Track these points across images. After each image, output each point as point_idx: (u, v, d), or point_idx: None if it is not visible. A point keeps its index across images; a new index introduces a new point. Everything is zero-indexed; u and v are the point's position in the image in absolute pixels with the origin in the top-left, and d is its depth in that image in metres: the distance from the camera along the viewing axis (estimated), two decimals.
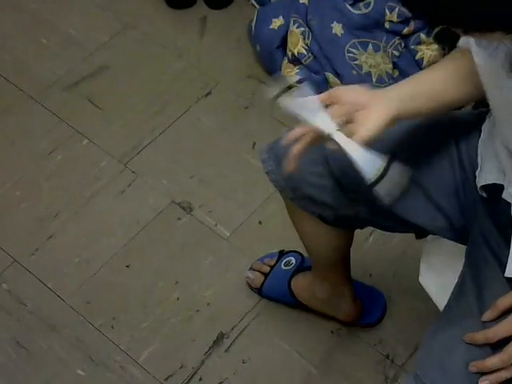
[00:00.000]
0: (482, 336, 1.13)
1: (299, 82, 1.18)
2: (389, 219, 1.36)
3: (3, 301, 1.82)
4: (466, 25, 0.86)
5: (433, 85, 1.20)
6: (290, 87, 1.16)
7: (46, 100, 2.15)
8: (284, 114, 1.15)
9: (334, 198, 1.32)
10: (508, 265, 1.17)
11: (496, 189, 1.20)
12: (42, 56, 2.25)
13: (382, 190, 1.13)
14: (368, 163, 1.10)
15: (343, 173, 1.28)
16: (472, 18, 0.84)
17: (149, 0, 2.37)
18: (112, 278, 1.85)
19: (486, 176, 1.22)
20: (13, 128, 2.11)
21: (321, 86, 2.06)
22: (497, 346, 1.12)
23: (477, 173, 1.23)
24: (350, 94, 1.16)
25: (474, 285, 1.21)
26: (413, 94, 1.18)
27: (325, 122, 1.12)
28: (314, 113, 1.13)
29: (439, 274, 1.40)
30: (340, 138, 1.11)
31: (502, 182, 1.19)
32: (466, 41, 1.19)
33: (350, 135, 1.10)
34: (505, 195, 1.18)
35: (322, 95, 1.15)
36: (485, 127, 1.25)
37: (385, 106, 1.14)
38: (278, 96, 1.16)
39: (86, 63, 2.23)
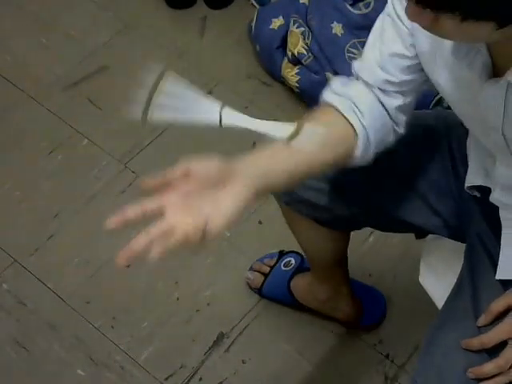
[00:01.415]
0: (478, 342, 1.13)
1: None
2: (384, 219, 1.36)
3: (3, 301, 1.82)
4: (466, 8, 0.85)
5: (289, 157, 1.07)
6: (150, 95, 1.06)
7: (46, 100, 2.15)
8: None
9: (329, 199, 1.32)
10: (499, 267, 1.17)
11: (486, 190, 1.20)
12: (42, 56, 2.25)
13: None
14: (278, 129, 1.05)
15: (338, 174, 1.28)
16: (473, 2, 0.84)
17: (149, 0, 2.37)
18: (112, 277, 1.85)
19: (473, 178, 1.22)
20: (13, 128, 2.11)
21: (321, 86, 2.06)
22: (493, 350, 1.12)
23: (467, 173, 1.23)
24: (201, 168, 1.03)
25: (471, 286, 1.21)
26: (270, 169, 1.05)
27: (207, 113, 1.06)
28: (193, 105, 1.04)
29: (439, 274, 1.40)
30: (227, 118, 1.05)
31: (489, 185, 1.19)
32: (331, 97, 1.17)
33: (203, 224, 0.97)
34: (491, 198, 1.18)
35: (174, 170, 1.03)
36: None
37: (242, 186, 1.00)
38: (145, 110, 1.08)
39: (85, 63, 2.23)
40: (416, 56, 1.11)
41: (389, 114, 1.16)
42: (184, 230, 0.97)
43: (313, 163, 1.09)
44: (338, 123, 1.13)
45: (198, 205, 0.98)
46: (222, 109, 1.03)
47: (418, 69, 1.13)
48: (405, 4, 0.89)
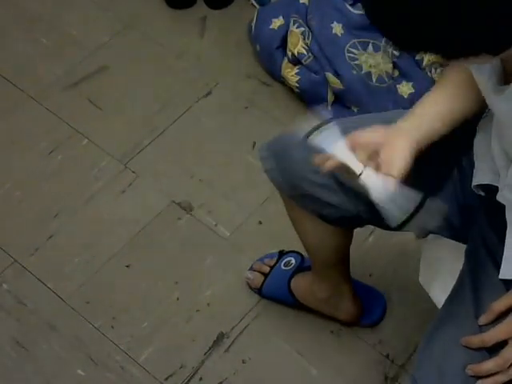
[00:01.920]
0: (478, 340, 1.13)
1: (328, 120, 1.20)
2: None
3: (3, 301, 1.82)
4: (449, 51, 0.86)
5: (439, 107, 1.21)
6: (319, 125, 1.19)
7: (46, 100, 2.15)
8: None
9: (334, 196, 1.32)
10: (502, 267, 1.17)
11: (492, 189, 1.20)
12: (41, 56, 2.25)
13: (411, 228, 1.21)
14: (393, 209, 1.13)
15: None
16: (455, 44, 0.84)
17: (149, 0, 2.37)
18: (112, 277, 1.85)
19: (480, 176, 1.22)
20: (13, 128, 2.11)
21: (321, 86, 2.06)
22: (493, 349, 1.12)
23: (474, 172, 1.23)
24: (367, 135, 1.18)
25: (472, 286, 1.21)
26: (424, 122, 1.19)
27: (353, 163, 1.16)
28: (343, 153, 1.16)
29: (439, 273, 1.40)
30: (368, 180, 1.14)
31: (496, 184, 1.19)
32: None
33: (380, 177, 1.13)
34: (499, 197, 1.18)
35: (347, 141, 1.17)
36: (480, 127, 1.25)
37: (405, 141, 1.16)
38: (309, 134, 1.19)
39: (85, 63, 2.23)
40: None
41: None
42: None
43: (461, 110, 1.21)
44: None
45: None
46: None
47: None
48: None
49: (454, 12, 0.82)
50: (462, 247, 1.31)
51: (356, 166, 1.15)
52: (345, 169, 1.17)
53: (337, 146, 1.17)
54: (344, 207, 1.34)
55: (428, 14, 0.83)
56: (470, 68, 1.10)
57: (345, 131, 1.18)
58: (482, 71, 1.01)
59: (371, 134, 1.18)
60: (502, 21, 0.83)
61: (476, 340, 1.13)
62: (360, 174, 1.15)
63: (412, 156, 1.16)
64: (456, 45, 0.85)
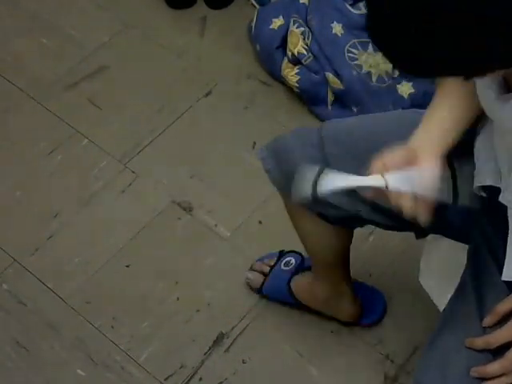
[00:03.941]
0: (483, 341, 1.13)
1: (320, 171, 1.20)
2: (389, 217, 1.36)
3: (3, 301, 1.82)
4: (469, 72, 0.86)
5: (447, 124, 1.21)
6: (316, 177, 1.18)
7: (46, 100, 2.15)
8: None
9: (334, 195, 1.32)
10: (504, 268, 1.17)
11: (493, 190, 1.20)
12: (42, 56, 2.25)
13: (464, 199, 1.22)
14: (440, 190, 1.15)
15: None
16: (475, 65, 0.85)
17: (149, 0, 2.37)
18: (112, 278, 1.85)
19: (482, 177, 1.21)
20: (13, 128, 2.11)
21: (321, 86, 2.06)
22: (498, 351, 1.12)
23: (474, 173, 1.23)
24: (393, 157, 1.17)
25: (475, 287, 1.21)
26: (441, 131, 1.19)
27: (372, 181, 1.15)
28: (358, 180, 1.16)
29: (439, 273, 1.40)
30: (397, 186, 1.14)
31: (498, 185, 1.18)
32: None
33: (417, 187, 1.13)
34: (501, 198, 1.17)
35: (372, 171, 1.16)
36: (480, 128, 1.24)
37: (430, 151, 1.17)
38: (314, 190, 1.17)
39: (85, 63, 2.23)
40: None
41: None
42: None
43: (470, 116, 1.21)
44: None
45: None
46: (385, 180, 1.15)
47: None
48: None
49: (456, 33, 0.82)
50: (462, 247, 1.30)
51: (377, 181, 1.15)
52: (379, 193, 1.17)
53: (346, 180, 1.16)
54: (344, 207, 1.34)
55: (428, 38, 0.83)
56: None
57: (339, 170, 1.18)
58: (482, 79, 1.00)
59: (395, 154, 1.17)
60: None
61: (480, 342, 1.13)
62: (387, 186, 1.14)
63: (441, 165, 1.17)
64: (467, 66, 0.85)
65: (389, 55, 0.88)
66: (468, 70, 0.87)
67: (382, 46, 0.88)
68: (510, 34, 0.81)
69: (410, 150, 1.17)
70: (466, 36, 0.81)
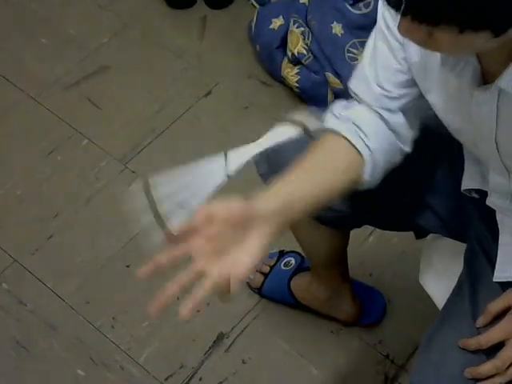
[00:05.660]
0: (475, 342, 1.13)
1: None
2: (386, 218, 1.36)
3: (3, 301, 1.82)
4: (465, 20, 0.83)
5: (304, 186, 1.08)
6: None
7: (46, 100, 2.15)
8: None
9: None
10: (496, 269, 1.17)
11: (484, 192, 1.19)
12: (42, 56, 2.25)
13: None
14: None
15: None
16: (472, 13, 0.82)
17: (149, 0, 2.37)
18: (112, 278, 1.85)
19: (469, 181, 1.21)
20: (13, 128, 2.11)
21: (321, 86, 2.06)
22: (490, 351, 1.12)
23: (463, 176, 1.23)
24: (223, 210, 1.01)
25: (470, 288, 1.21)
26: (288, 201, 1.04)
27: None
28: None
29: (439, 274, 1.40)
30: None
31: (485, 189, 1.18)
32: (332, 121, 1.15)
33: (229, 270, 0.99)
34: (488, 202, 1.17)
35: (197, 215, 1.03)
36: None
37: (264, 225, 1.00)
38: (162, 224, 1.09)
39: (85, 63, 2.23)
40: (409, 69, 1.10)
41: (394, 132, 1.15)
42: (212, 281, 1.03)
43: (326, 189, 1.10)
44: (344, 150, 1.12)
45: (224, 248, 0.99)
46: (226, 159, 1.07)
47: (414, 82, 1.12)
48: (397, 19, 0.87)
49: None
50: (462, 247, 1.30)
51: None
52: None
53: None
54: (339, 208, 1.34)
55: None
56: (443, 82, 1.07)
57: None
58: (462, 77, 0.99)
59: (226, 211, 1.01)
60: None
61: (473, 342, 1.13)
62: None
63: (268, 244, 1.00)
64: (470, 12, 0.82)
65: None
66: (465, 15, 0.83)
67: None
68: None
69: (248, 207, 1.01)
70: None
